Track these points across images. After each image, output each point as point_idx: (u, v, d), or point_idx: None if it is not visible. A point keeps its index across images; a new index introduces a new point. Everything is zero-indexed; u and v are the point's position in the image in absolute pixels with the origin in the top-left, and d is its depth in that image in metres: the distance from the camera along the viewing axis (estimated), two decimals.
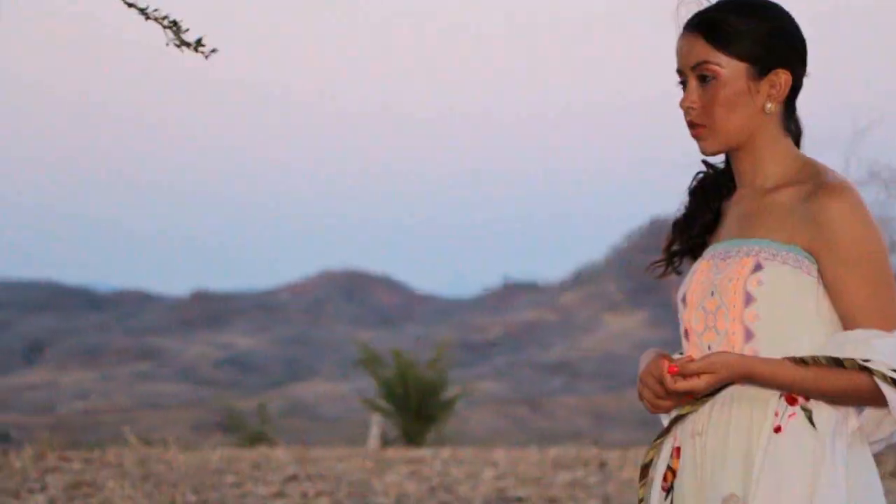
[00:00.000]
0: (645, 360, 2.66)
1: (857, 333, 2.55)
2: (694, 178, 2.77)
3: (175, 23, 3.13)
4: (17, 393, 63.74)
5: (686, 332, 2.67)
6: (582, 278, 76.90)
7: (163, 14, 3.10)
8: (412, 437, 18.96)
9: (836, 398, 2.56)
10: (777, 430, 2.57)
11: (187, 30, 3.14)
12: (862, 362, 2.52)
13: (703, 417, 2.63)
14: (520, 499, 9.73)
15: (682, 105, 2.65)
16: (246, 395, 49.12)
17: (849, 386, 2.53)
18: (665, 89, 2.70)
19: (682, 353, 2.70)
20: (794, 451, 2.55)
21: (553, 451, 12.85)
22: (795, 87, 2.66)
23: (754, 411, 2.59)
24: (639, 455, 11.41)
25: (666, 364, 2.57)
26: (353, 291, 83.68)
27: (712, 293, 2.62)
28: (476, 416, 51.04)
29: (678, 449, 2.68)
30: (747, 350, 2.59)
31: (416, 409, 19.52)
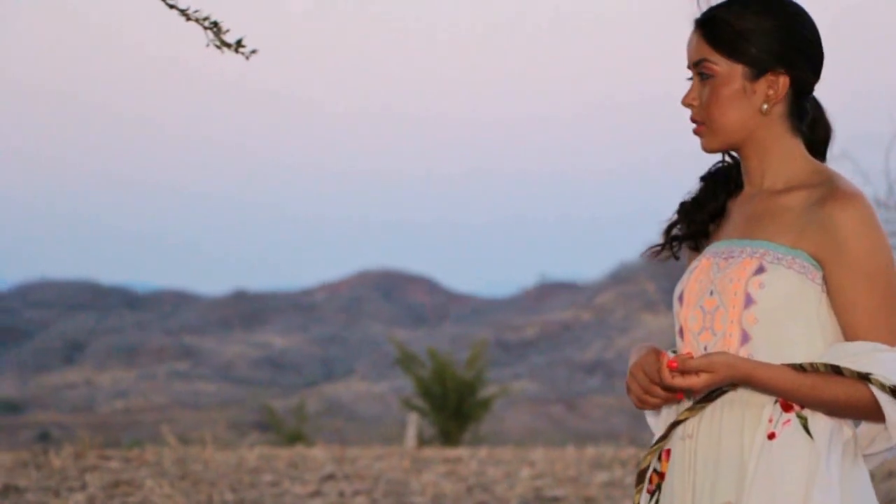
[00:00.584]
0: (636, 353, 2.62)
1: (860, 345, 2.50)
2: (712, 167, 2.74)
3: (216, 24, 3.12)
4: (56, 392, 64.14)
5: (681, 330, 2.62)
6: (619, 277, 76.71)
7: (203, 15, 3.10)
8: (449, 436, 18.98)
9: (832, 408, 2.50)
10: (771, 436, 2.51)
11: (228, 31, 3.13)
12: (860, 372, 2.46)
13: (695, 420, 2.58)
14: (556, 498, 9.73)
15: (682, 102, 2.64)
16: (283, 394, 49.27)
17: (846, 396, 2.48)
18: None
19: (675, 351, 2.65)
20: (788, 459, 2.49)
21: (590, 451, 12.84)
22: (802, 89, 2.61)
23: (747, 416, 2.54)
24: None
25: (666, 358, 2.52)
26: (390, 291, 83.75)
27: (711, 292, 2.57)
28: (512, 415, 51.00)
29: (667, 451, 2.63)
30: (742, 353, 2.53)
31: (453, 408, 19.53)
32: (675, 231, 2.73)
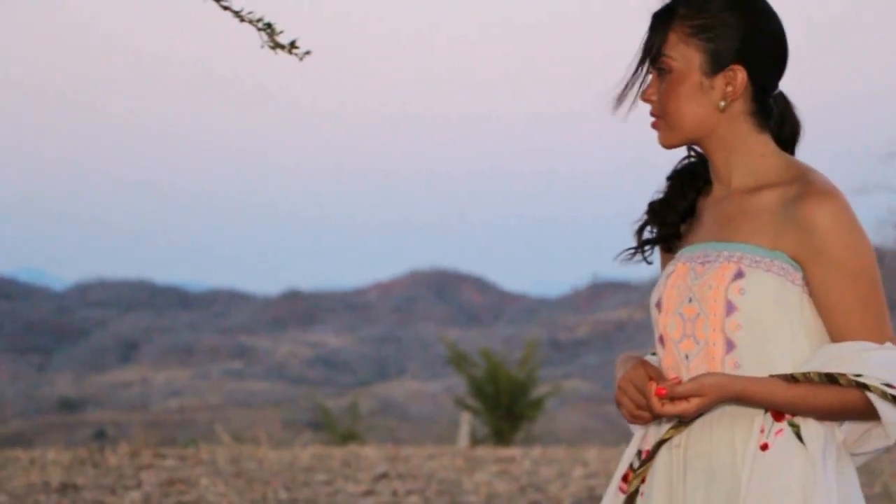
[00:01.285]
0: (623, 366, 2.56)
1: (847, 346, 2.44)
2: (678, 164, 2.66)
3: (269, 25, 3.13)
4: (112, 391, 64.64)
5: (661, 338, 2.55)
6: None
7: (257, 17, 3.11)
8: (502, 435, 18.98)
9: (825, 415, 2.45)
10: (764, 447, 2.45)
11: (281, 32, 3.14)
12: (854, 377, 2.41)
13: (683, 431, 2.52)
14: None
15: (640, 98, 2.56)
16: (336, 393, 49.41)
17: (840, 402, 2.42)
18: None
19: (654, 353, 2.61)
20: (782, 470, 2.43)
21: None
22: (763, 86, 2.53)
23: (737, 427, 2.48)
24: None
25: (654, 386, 2.46)
26: (442, 290, 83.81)
27: (690, 299, 2.50)
28: (565, 415, 50.92)
29: (645, 451, 2.58)
30: (728, 361, 2.47)
31: (506, 407, 19.53)
32: (646, 233, 2.64)
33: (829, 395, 2.42)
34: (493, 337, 60.45)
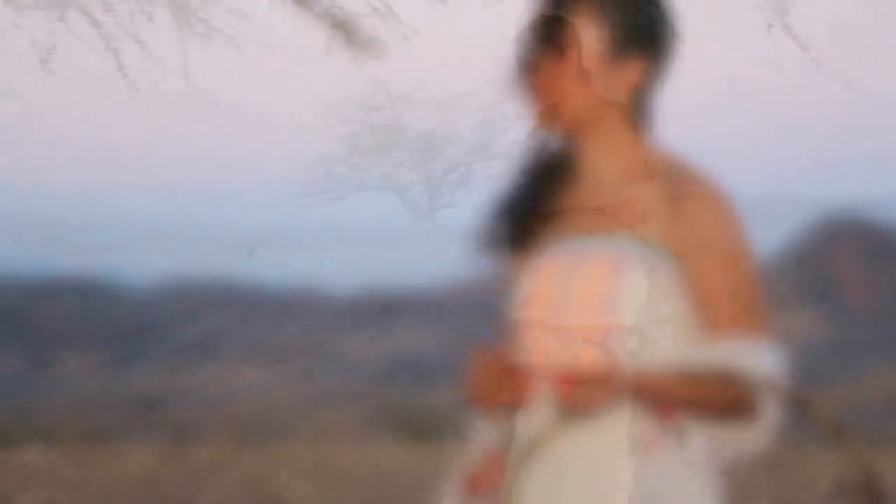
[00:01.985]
0: (478, 356, 2.48)
1: (730, 343, 2.33)
2: (535, 156, 2.47)
3: (343, 24, 3.14)
4: (192, 388, 65.33)
5: (528, 339, 2.42)
6: None
7: (336, 18, 3.13)
8: None
9: (717, 413, 2.33)
10: (645, 451, 2.33)
11: (355, 32, 3.15)
12: (745, 374, 2.31)
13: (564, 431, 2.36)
14: None
15: (522, 75, 2.41)
16: (418, 392, 49.60)
17: (728, 401, 2.32)
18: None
19: (488, 344, 2.51)
20: (664, 477, 2.33)
21: None
22: (650, 80, 2.39)
23: (609, 430, 2.33)
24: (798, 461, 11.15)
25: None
26: None
27: (563, 296, 2.36)
28: None
29: (495, 455, 2.44)
30: (604, 359, 2.33)
31: None
32: (499, 231, 2.48)
33: (722, 394, 2.32)
34: None
